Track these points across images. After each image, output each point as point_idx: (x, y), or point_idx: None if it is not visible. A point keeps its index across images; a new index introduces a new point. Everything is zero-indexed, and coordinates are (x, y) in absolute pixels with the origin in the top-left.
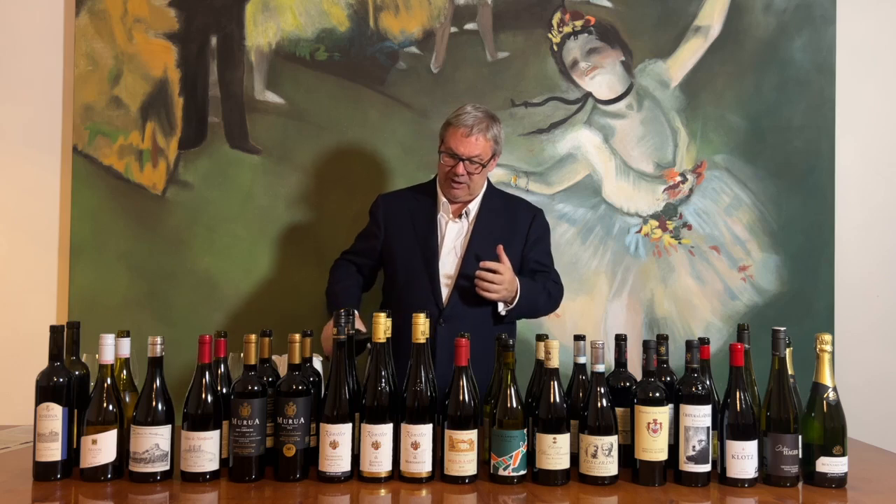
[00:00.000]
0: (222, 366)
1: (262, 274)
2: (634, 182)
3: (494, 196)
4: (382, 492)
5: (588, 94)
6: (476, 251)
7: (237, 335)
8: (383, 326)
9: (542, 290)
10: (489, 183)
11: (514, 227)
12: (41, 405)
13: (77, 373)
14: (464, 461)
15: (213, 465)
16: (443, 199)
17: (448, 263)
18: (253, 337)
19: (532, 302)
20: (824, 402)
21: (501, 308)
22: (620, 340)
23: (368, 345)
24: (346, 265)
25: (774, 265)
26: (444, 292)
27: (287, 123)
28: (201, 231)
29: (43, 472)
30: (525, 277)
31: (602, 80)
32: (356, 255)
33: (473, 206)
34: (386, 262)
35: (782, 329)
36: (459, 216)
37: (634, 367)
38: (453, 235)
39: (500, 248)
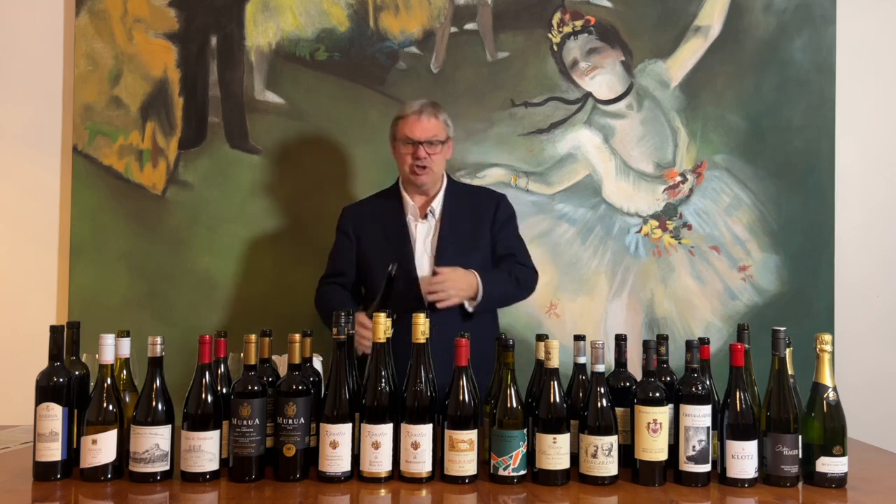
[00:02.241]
0: (222, 366)
1: (262, 274)
2: (634, 182)
3: (457, 189)
4: (382, 492)
5: (588, 94)
6: (446, 249)
7: (237, 335)
8: (383, 326)
9: (509, 278)
10: (449, 177)
11: (479, 217)
12: (41, 405)
13: (77, 373)
14: (464, 461)
15: (213, 465)
16: (409, 202)
17: (423, 265)
18: (253, 337)
19: (500, 292)
20: (824, 402)
21: (468, 306)
22: (620, 340)
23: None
24: (332, 289)
25: (774, 265)
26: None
27: (287, 123)
28: (201, 231)
29: (43, 472)
30: (488, 269)
31: (602, 80)
32: (338, 277)
33: (437, 205)
34: (363, 273)
35: (782, 329)
36: (425, 216)
37: (634, 367)
38: (423, 236)
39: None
